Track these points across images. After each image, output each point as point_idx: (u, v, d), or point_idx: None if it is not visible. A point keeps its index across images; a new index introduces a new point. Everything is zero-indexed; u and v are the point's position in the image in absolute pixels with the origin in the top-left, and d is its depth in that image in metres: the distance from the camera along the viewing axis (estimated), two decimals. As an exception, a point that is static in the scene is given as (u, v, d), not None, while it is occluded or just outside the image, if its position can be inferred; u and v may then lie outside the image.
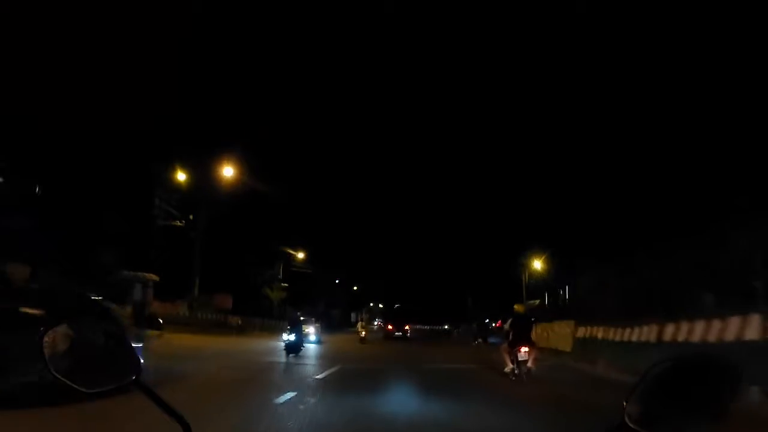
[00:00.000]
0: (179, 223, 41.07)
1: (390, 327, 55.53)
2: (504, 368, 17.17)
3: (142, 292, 25.78)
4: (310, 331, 34.97)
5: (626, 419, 1.63)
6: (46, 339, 1.93)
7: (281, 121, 77.08)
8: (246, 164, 45.58)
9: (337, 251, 78.11)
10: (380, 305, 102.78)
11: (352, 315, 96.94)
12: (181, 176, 41.13)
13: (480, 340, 43.89)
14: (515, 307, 18.72)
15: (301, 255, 65.60)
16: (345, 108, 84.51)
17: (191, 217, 43.13)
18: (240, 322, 49.48)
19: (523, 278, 72.80)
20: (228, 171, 42.10)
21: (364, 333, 43.39)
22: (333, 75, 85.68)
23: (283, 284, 61.80)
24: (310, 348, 30.92)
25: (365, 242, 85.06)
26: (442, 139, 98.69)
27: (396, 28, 75.02)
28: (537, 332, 28.13)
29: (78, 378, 1.91)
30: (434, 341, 54.94)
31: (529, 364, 16.36)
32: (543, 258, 69.00)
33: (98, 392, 1.95)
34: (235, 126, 51.49)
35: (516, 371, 16.53)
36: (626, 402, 1.65)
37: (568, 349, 27.70)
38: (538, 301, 71.83)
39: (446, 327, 77.72)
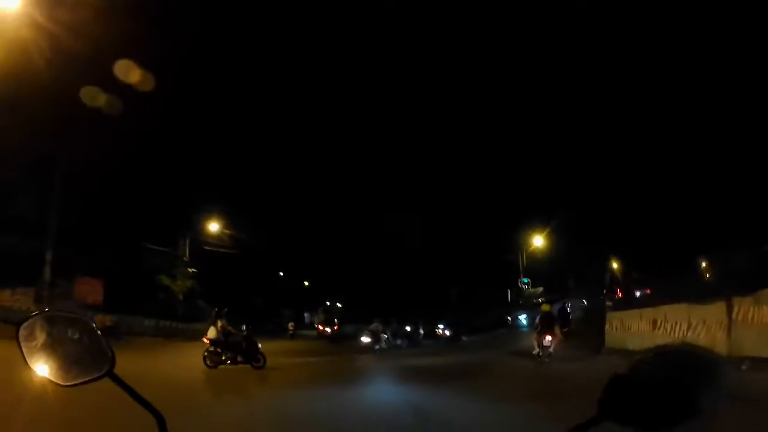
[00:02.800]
0: None
1: (321, 327, 56.97)
2: (532, 351, 22.85)
3: None
4: None
5: (601, 410, 1.68)
6: (22, 332, 2.01)
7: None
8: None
9: (278, 230, 62.69)
10: (338, 304, 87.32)
11: (306, 315, 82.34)
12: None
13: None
14: (543, 307, 25.28)
15: (214, 227, 48.05)
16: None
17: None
18: (110, 323, 33.73)
19: (521, 260, 58.95)
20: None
21: (292, 330, 49.46)
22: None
23: (190, 269, 45.57)
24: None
25: (317, 220, 69.44)
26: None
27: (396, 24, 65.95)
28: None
29: (54, 371, 1.99)
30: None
31: (551, 349, 21.80)
32: (545, 233, 55.33)
33: (73, 384, 2.01)
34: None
35: (540, 353, 21.94)
36: (602, 393, 1.68)
37: None
38: (541, 289, 58.91)
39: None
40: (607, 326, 24.57)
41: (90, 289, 38.61)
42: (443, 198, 71.94)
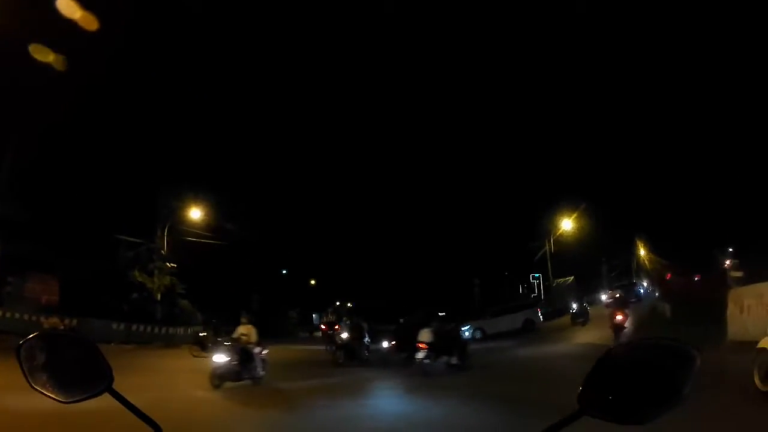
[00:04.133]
0: None
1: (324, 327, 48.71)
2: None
3: None
4: None
5: (582, 405, 1.66)
6: (22, 352, 2.03)
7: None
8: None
9: (279, 223, 57.00)
10: (349, 304, 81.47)
11: (314, 317, 77.26)
12: None
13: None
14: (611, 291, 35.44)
15: (196, 214, 40.70)
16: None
17: None
18: (63, 327, 28.46)
19: (549, 247, 53.14)
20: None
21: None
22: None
23: (169, 264, 39.24)
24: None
25: (322, 212, 63.66)
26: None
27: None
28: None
29: (54, 389, 2.00)
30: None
31: (625, 325, 25.35)
32: (574, 217, 49.62)
33: (74, 401, 2.03)
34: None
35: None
36: (582, 388, 1.67)
37: None
38: (572, 278, 55.42)
39: None
40: (730, 308, 17.70)
41: (43, 288, 33.40)
42: (460, 182, 65.71)
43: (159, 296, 38.07)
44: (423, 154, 72.92)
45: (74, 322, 30.20)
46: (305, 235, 63.98)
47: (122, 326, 33.07)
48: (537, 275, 59.26)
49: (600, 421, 1.61)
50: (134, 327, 33.72)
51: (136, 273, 36.94)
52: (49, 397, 1.97)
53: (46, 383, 1.98)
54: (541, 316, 40.40)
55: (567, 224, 51.69)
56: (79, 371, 2.01)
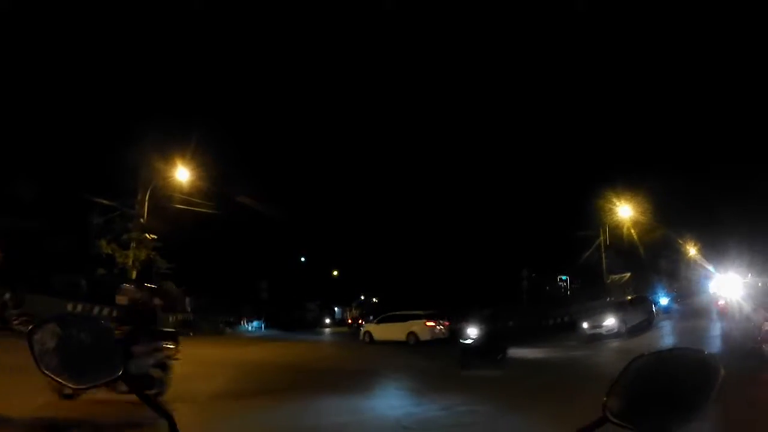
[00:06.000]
0: None
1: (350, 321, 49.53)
2: None
3: None
4: None
5: (606, 413, 1.67)
6: (35, 336, 1.98)
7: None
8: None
9: (301, 202, 49.71)
10: (374, 299, 73.93)
11: (337, 310, 72.51)
12: None
13: None
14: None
15: (183, 174, 31.27)
16: None
17: None
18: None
19: (603, 238, 45.18)
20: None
21: None
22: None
23: (149, 235, 30.75)
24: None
25: (350, 194, 56.28)
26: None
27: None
28: None
29: (66, 374, 1.97)
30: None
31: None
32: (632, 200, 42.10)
33: (87, 387, 2.08)
34: None
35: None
36: (606, 396, 1.68)
37: None
38: (628, 275, 49.53)
39: None
40: None
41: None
42: (507, 167, 57.89)
43: (134, 274, 29.91)
44: (465, 139, 66.31)
45: (9, 297, 23.05)
46: (329, 220, 56.01)
47: (79, 308, 25.61)
48: (564, 277, 56.04)
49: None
50: (96, 310, 26.22)
51: (103, 243, 29.09)
52: (60, 382, 1.92)
53: (57, 368, 1.90)
54: (429, 333, 32.47)
55: (625, 211, 43.90)
56: (91, 356, 1.94)
